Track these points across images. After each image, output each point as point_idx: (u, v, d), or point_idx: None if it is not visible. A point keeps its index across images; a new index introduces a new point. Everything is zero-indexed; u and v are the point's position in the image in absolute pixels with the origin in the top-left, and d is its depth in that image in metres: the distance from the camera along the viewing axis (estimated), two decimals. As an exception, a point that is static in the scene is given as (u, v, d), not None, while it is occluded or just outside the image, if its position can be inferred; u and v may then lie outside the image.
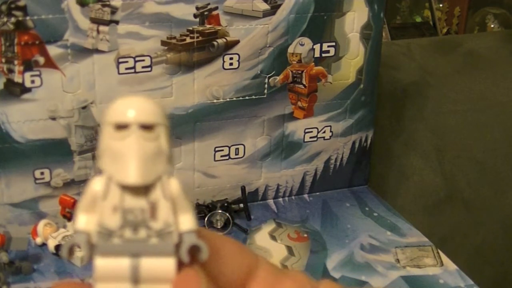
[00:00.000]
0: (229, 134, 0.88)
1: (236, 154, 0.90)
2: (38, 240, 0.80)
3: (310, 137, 0.93)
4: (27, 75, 0.76)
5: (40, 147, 0.79)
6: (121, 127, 0.24)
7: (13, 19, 0.73)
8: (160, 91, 0.82)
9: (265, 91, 0.88)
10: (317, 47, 0.88)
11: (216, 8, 0.81)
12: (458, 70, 1.22)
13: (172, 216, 0.24)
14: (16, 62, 0.75)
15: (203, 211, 0.88)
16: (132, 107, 0.24)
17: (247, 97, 0.87)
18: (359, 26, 0.89)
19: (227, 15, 0.82)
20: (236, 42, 0.84)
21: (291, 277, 0.26)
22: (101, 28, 0.77)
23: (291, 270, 0.27)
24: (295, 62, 0.88)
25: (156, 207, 0.24)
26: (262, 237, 0.86)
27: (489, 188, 1.12)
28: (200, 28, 0.81)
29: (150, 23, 0.79)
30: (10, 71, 0.75)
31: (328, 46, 0.89)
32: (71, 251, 0.24)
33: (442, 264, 0.81)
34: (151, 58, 0.80)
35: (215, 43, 0.83)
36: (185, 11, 0.80)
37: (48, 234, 0.79)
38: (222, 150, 0.89)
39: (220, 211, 0.87)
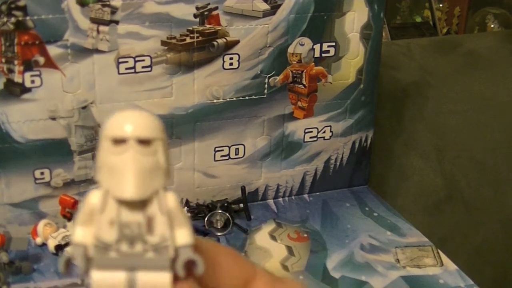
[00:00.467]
0: (229, 134, 0.88)
1: (236, 154, 0.90)
2: (38, 240, 0.80)
3: (310, 137, 0.93)
4: (27, 75, 0.76)
5: (40, 147, 0.79)
6: (119, 141, 0.24)
7: (13, 19, 0.73)
8: (160, 91, 0.82)
9: (265, 91, 0.88)
10: (317, 47, 0.88)
11: (216, 8, 0.81)
12: (458, 70, 1.22)
13: (169, 231, 0.24)
14: (16, 62, 0.75)
15: (203, 211, 0.88)
16: (130, 122, 0.24)
17: (247, 97, 0.87)
18: (359, 26, 0.89)
19: (227, 15, 0.82)
20: (236, 42, 0.84)
21: (289, 286, 0.26)
22: (101, 28, 0.77)
23: (288, 278, 0.27)
24: (295, 62, 0.88)
25: (153, 221, 0.24)
26: (262, 237, 0.86)
27: (489, 188, 1.12)
28: (200, 28, 0.81)
29: (150, 23, 0.79)
30: (10, 71, 0.75)
31: (328, 46, 0.89)
32: (68, 264, 0.24)
33: (442, 264, 0.81)
34: (151, 58, 0.80)
35: (215, 43, 0.83)
36: (185, 11, 0.80)
37: (48, 234, 0.79)
38: (222, 150, 0.89)
39: (220, 211, 0.87)
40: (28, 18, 0.73)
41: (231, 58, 0.84)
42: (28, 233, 0.81)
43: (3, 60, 0.75)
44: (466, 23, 1.81)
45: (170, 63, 0.81)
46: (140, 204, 0.24)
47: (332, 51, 0.89)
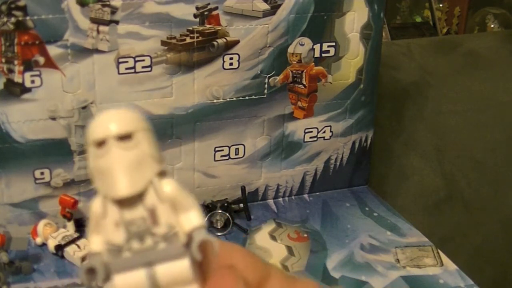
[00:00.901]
0: (229, 134, 0.88)
1: (236, 154, 0.90)
2: (38, 240, 0.80)
3: (310, 137, 0.93)
4: (27, 75, 0.76)
5: (40, 147, 0.79)
6: (101, 144, 0.24)
7: (13, 19, 0.73)
8: (160, 91, 0.82)
9: (265, 91, 0.88)
10: (317, 47, 0.88)
11: (216, 8, 0.81)
12: (458, 70, 1.22)
13: (173, 217, 0.24)
14: (16, 62, 0.75)
15: (203, 211, 0.88)
16: (105, 122, 0.24)
17: (247, 97, 0.87)
18: (359, 26, 0.89)
19: (227, 15, 0.82)
20: (236, 42, 0.84)
21: (303, 284, 0.26)
22: (101, 28, 0.77)
23: (302, 278, 0.27)
24: (295, 62, 0.88)
25: (155, 212, 0.24)
26: (262, 237, 0.86)
27: (489, 188, 1.12)
28: (200, 28, 0.81)
29: (150, 23, 0.79)
30: (10, 71, 0.75)
31: (328, 46, 0.89)
32: (89, 276, 0.24)
33: (442, 264, 0.81)
34: (151, 58, 0.80)
35: (215, 43, 0.83)
36: (185, 11, 0.80)
37: (48, 234, 0.79)
38: (222, 150, 0.89)
39: (220, 211, 0.87)
40: (28, 18, 0.73)
41: (231, 58, 0.84)
42: (28, 233, 0.81)
43: (3, 60, 0.75)
44: (466, 23, 1.81)
45: (170, 63, 0.81)
46: (137, 199, 0.23)
47: (332, 51, 0.89)
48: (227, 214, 0.86)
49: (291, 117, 0.91)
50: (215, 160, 0.89)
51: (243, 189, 0.91)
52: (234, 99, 0.86)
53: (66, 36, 0.76)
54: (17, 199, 0.81)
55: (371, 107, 0.95)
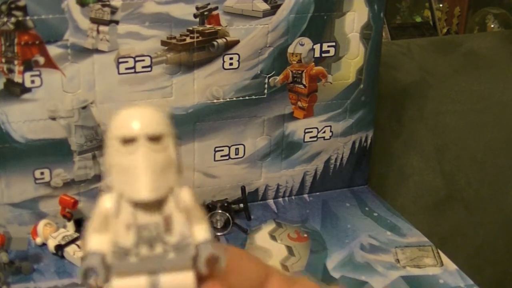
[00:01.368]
0: (229, 134, 0.88)
1: (236, 154, 0.90)
2: (38, 240, 0.80)
3: (310, 137, 0.93)
4: (27, 75, 0.76)
5: (40, 147, 0.79)
6: (128, 141, 0.23)
7: (13, 19, 0.73)
8: (160, 91, 0.82)
9: (265, 91, 0.88)
10: (317, 47, 0.88)
11: (216, 8, 0.81)
12: (458, 70, 1.22)
13: (188, 228, 0.23)
14: (16, 62, 0.75)
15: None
16: (138, 119, 0.23)
17: (247, 97, 0.87)
18: (359, 26, 0.89)
19: (227, 15, 0.82)
20: (236, 42, 0.84)
21: (302, 284, 0.26)
22: (101, 28, 0.77)
23: (301, 277, 0.27)
24: (295, 62, 0.88)
25: (171, 220, 0.23)
26: (262, 237, 0.86)
27: (489, 188, 1.12)
28: (200, 28, 0.81)
29: (150, 23, 0.79)
30: (10, 71, 0.75)
31: (328, 46, 0.89)
32: (87, 275, 0.23)
33: (442, 264, 0.81)
34: (151, 58, 0.80)
35: (215, 43, 0.83)
36: (185, 11, 0.80)
37: (48, 234, 0.79)
38: (222, 150, 0.89)
39: (220, 211, 0.87)
40: (28, 18, 0.73)
41: (231, 58, 0.84)
42: (28, 233, 0.81)
43: (3, 60, 0.75)
44: (466, 23, 1.80)
45: (170, 63, 0.81)
46: (156, 204, 0.23)
47: (332, 51, 0.89)
48: (227, 214, 0.86)
49: (291, 117, 0.91)
50: (215, 160, 0.89)
51: (243, 189, 0.91)
52: (234, 99, 0.86)
53: (66, 36, 0.76)
54: (17, 199, 0.81)
55: (371, 107, 0.95)
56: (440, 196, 1.08)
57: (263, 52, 0.86)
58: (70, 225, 0.81)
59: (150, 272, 0.22)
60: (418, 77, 1.18)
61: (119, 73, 0.79)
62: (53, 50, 0.76)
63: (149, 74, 0.81)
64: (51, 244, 0.78)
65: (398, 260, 0.81)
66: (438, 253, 0.83)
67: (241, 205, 0.90)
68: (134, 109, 0.23)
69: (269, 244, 0.84)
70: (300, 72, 0.89)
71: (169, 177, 0.23)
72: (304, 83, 0.90)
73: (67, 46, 0.76)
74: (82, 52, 0.77)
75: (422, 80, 1.18)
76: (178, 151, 0.24)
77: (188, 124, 0.85)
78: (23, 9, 0.73)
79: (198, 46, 0.82)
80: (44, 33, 0.75)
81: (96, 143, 0.81)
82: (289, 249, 0.83)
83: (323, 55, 0.89)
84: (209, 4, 0.81)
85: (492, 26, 1.74)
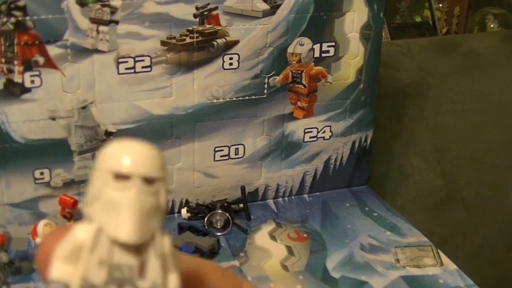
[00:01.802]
0: (229, 134, 0.88)
1: (236, 154, 0.90)
2: (38, 240, 0.80)
3: (310, 137, 0.93)
4: (27, 75, 0.76)
5: (40, 147, 0.79)
6: (121, 177, 0.22)
7: (13, 19, 0.73)
8: (160, 91, 0.82)
9: (265, 91, 0.88)
10: (317, 47, 0.88)
11: (216, 8, 0.81)
12: (458, 70, 1.22)
13: (162, 277, 0.22)
14: (16, 62, 0.75)
15: (203, 211, 0.88)
16: (136, 158, 0.22)
17: (247, 97, 0.87)
18: (359, 26, 0.89)
19: (227, 15, 0.82)
20: (236, 42, 0.84)
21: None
22: (101, 28, 0.77)
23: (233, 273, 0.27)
24: (295, 62, 0.88)
25: (146, 265, 0.22)
26: (262, 237, 0.86)
27: (489, 188, 1.12)
28: (200, 28, 0.81)
29: (150, 23, 0.79)
30: (10, 71, 0.75)
31: (328, 46, 0.89)
32: None
33: (442, 264, 0.81)
34: (151, 58, 0.80)
35: (215, 43, 0.83)
36: (185, 11, 0.80)
37: (48, 234, 0.79)
38: (222, 150, 0.89)
39: (220, 211, 0.87)
40: (28, 18, 0.73)
41: (231, 58, 0.84)
42: (28, 233, 0.81)
43: (3, 60, 0.75)
44: (466, 23, 1.80)
45: (170, 63, 0.81)
46: (135, 247, 0.22)
47: (332, 51, 0.89)
48: (227, 214, 0.86)
49: (291, 117, 0.91)
50: (215, 160, 0.89)
51: (243, 189, 0.91)
52: (234, 99, 0.86)
53: (66, 36, 0.76)
54: (17, 199, 0.81)
55: (371, 107, 0.95)
56: (440, 196, 1.08)
57: (262, 52, 0.86)
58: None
59: None
60: (418, 77, 1.18)
61: (119, 73, 0.79)
62: (53, 50, 0.76)
63: (149, 74, 0.81)
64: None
65: (398, 260, 0.81)
66: (438, 253, 0.83)
67: (241, 205, 0.90)
68: (132, 145, 0.22)
69: (269, 244, 0.84)
70: (300, 72, 0.89)
71: (154, 223, 0.22)
72: (304, 83, 0.89)
73: (67, 46, 0.76)
74: (82, 52, 0.77)
75: (422, 80, 1.18)
76: (166, 196, 0.23)
77: (188, 124, 0.85)
78: (23, 9, 0.73)
79: (198, 46, 0.82)
80: (44, 33, 0.75)
81: (96, 143, 0.81)
82: (289, 249, 0.83)
83: (323, 55, 0.89)
84: (209, 4, 0.81)
85: (492, 26, 1.74)
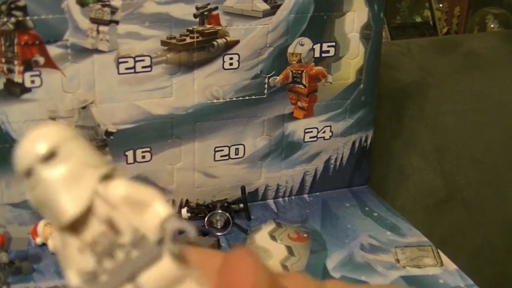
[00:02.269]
0: (229, 134, 0.88)
1: (236, 154, 0.90)
2: (38, 240, 0.80)
3: (310, 137, 0.93)
4: (27, 75, 0.76)
5: (40, 147, 0.79)
6: (29, 173, 0.21)
7: (13, 19, 0.73)
8: (160, 91, 0.82)
9: (265, 91, 0.88)
10: (317, 47, 0.88)
11: (216, 8, 0.81)
12: (458, 70, 1.22)
13: (136, 218, 0.21)
14: (16, 62, 0.75)
15: (203, 211, 0.88)
16: (24, 149, 0.21)
17: (247, 97, 0.87)
18: (359, 26, 0.89)
19: (227, 15, 0.82)
20: (236, 42, 0.84)
21: (292, 277, 0.26)
22: (101, 28, 0.77)
23: (291, 271, 0.26)
24: (295, 62, 0.88)
25: (112, 221, 0.21)
26: (262, 237, 0.86)
27: (489, 188, 1.12)
28: (200, 28, 0.81)
29: (150, 23, 0.79)
30: (10, 71, 0.75)
31: (328, 46, 0.89)
32: None
33: (442, 264, 0.81)
34: (151, 58, 0.80)
35: (215, 43, 0.83)
36: (185, 11, 0.80)
37: (48, 234, 0.79)
38: (222, 150, 0.89)
39: (220, 211, 0.87)
40: (28, 18, 0.73)
41: (231, 58, 0.84)
42: (28, 233, 0.81)
43: (3, 60, 0.75)
44: (466, 23, 1.81)
45: (170, 63, 0.81)
46: (89, 215, 0.21)
47: (332, 51, 0.89)
48: (227, 214, 0.86)
49: (291, 117, 0.91)
50: (215, 160, 0.89)
51: (243, 189, 0.91)
52: (234, 99, 0.86)
53: (66, 36, 0.76)
54: (17, 199, 0.81)
55: (371, 107, 0.95)
56: (440, 196, 1.08)
57: (263, 52, 0.86)
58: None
59: (129, 279, 0.21)
60: (418, 77, 1.18)
61: (119, 73, 0.79)
62: (53, 50, 0.76)
63: (149, 74, 0.81)
64: (51, 244, 0.78)
65: (398, 260, 0.81)
66: (438, 253, 0.83)
67: (241, 205, 0.90)
68: (21, 140, 0.22)
69: (269, 244, 0.84)
70: (300, 72, 0.89)
71: (85, 182, 0.21)
72: (304, 83, 0.90)
73: (67, 46, 0.76)
74: (82, 52, 0.77)
75: (422, 80, 1.18)
76: (87, 150, 0.22)
77: (188, 124, 0.85)
78: (23, 9, 0.73)
79: (198, 46, 0.82)
80: (44, 33, 0.75)
81: (96, 143, 0.81)
82: (289, 249, 0.83)
83: (323, 55, 0.89)
84: (209, 4, 0.81)
85: (492, 26, 1.74)
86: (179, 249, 0.21)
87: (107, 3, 0.76)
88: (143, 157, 0.85)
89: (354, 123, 0.95)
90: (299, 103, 0.91)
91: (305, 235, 0.86)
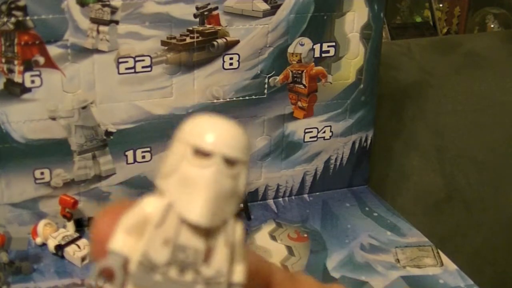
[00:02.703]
0: (229, 134, 0.88)
1: (236, 154, 0.90)
2: (38, 240, 0.80)
3: (310, 137, 0.93)
4: (27, 75, 0.76)
5: (40, 147, 0.79)
6: (202, 153, 0.20)
7: (13, 19, 0.73)
8: (160, 91, 0.82)
9: (265, 91, 0.88)
10: (317, 47, 0.88)
11: (216, 8, 0.81)
12: (458, 70, 1.22)
13: (227, 266, 0.21)
14: (16, 62, 0.75)
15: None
16: (221, 136, 0.21)
17: (247, 97, 0.87)
18: (359, 26, 0.89)
19: (227, 15, 0.82)
20: (236, 42, 0.84)
21: (306, 282, 0.26)
22: (101, 28, 0.77)
23: (302, 274, 0.26)
24: (295, 62, 0.88)
25: (213, 251, 0.21)
26: (262, 237, 0.86)
27: (489, 188, 1.12)
28: (200, 28, 0.81)
29: (150, 23, 0.79)
30: (10, 71, 0.75)
31: (328, 46, 0.89)
32: (101, 276, 0.21)
33: (442, 264, 0.81)
34: (151, 58, 0.80)
35: (215, 43, 0.83)
36: (185, 11, 0.80)
37: (48, 234, 0.79)
38: (222, 150, 0.89)
39: (220, 211, 0.87)
40: (28, 18, 0.73)
41: (231, 58, 0.84)
42: (28, 233, 0.81)
43: (3, 60, 0.75)
44: (466, 23, 1.80)
45: (170, 63, 0.81)
46: (205, 230, 0.20)
47: (332, 51, 0.89)
48: (227, 214, 0.86)
49: (291, 117, 0.91)
50: (215, 160, 0.89)
51: (243, 189, 0.91)
52: (234, 99, 0.86)
53: (66, 36, 0.76)
54: (17, 199, 0.81)
55: (371, 107, 0.95)
56: (440, 196, 1.08)
57: (263, 52, 0.86)
58: (70, 225, 0.81)
59: None
60: (418, 77, 1.18)
61: (119, 73, 0.79)
62: (53, 50, 0.76)
63: (149, 74, 0.81)
64: (51, 244, 0.78)
65: (398, 260, 0.81)
66: (438, 253, 0.83)
67: (241, 205, 0.90)
68: (218, 122, 0.21)
69: (269, 244, 0.84)
70: (300, 72, 0.89)
71: (229, 208, 0.21)
72: (304, 83, 0.89)
73: (67, 46, 0.76)
74: (82, 52, 0.77)
75: (422, 80, 1.18)
76: (246, 181, 0.21)
77: (188, 124, 0.85)
78: (23, 9, 0.73)
79: (198, 46, 0.82)
80: (44, 33, 0.75)
81: (96, 143, 0.81)
82: (289, 249, 0.83)
83: (323, 55, 0.89)
84: (209, 4, 0.81)
85: (492, 26, 1.74)
86: None
87: (107, 3, 0.76)
88: (143, 157, 0.85)
89: (354, 123, 0.95)
90: (299, 103, 0.91)
91: (305, 235, 0.86)
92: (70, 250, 0.77)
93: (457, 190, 1.10)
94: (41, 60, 0.76)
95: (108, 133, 0.82)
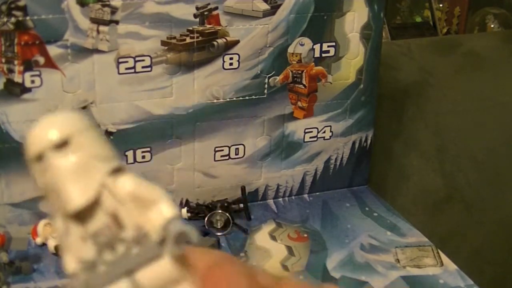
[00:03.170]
0: (229, 134, 0.88)
1: (236, 154, 0.90)
2: (38, 240, 0.80)
3: (310, 137, 0.93)
4: (27, 75, 0.76)
5: (40, 147, 0.79)
6: (39, 158, 0.21)
7: (13, 19, 0.73)
8: (160, 91, 0.82)
9: (265, 91, 0.88)
10: (317, 47, 0.88)
11: (216, 8, 0.81)
12: (458, 70, 1.22)
13: (140, 216, 0.21)
14: (16, 62, 0.75)
15: (203, 211, 0.88)
16: (37, 133, 0.22)
17: (247, 97, 0.87)
18: (359, 26, 0.89)
19: (227, 15, 0.82)
20: (236, 42, 0.84)
21: (288, 283, 0.26)
22: (101, 28, 0.77)
23: (289, 277, 0.26)
24: (295, 62, 0.88)
25: (118, 216, 0.21)
26: (262, 237, 0.86)
27: (489, 188, 1.12)
28: (200, 28, 0.81)
29: (150, 23, 0.79)
30: (10, 71, 0.75)
31: (328, 46, 0.89)
32: None
33: (442, 264, 0.81)
34: (151, 58, 0.80)
35: (215, 43, 0.83)
36: (185, 11, 0.80)
37: (48, 234, 0.79)
38: (222, 150, 0.89)
39: (220, 211, 0.87)
40: (28, 18, 0.73)
41: (231, 58, 0.84)
42: (28, 233, 0.81)
43: (3, 60, 0.75)
44: (466, 23, 1.80)
45: (170, 63, 0.81)
46: (95, 206, 0.21)
47: (332, 51, 0.89)
48: (227, 214, 0.86)
49: (291, 117, 0.91)
50: (215, 160, 0.89)
51: (243, 189, 0.91)
52: (234, 99, 0.86)
53: (66, 36, 0.76)
54: (17, 199, 0.81)
55: (371, 107, 0.95)
56: (440, 196, 1.08)
57: (263, 52, 0.86)
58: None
59: (126, 273, 0.21)
60: (418, 77, 1.18)
61: (119, 73, 0.79)
62: (53, 50, 0.76)
63: (149, 74, 0.81)
64: (51, 244, 0.78)
65: (398, 260, 0.81)
66: (438, 253, 0.83)
67: (241, 205, 0.90)
68: (35, 124, 0.22)
69: (269, 244, 0.84)
70: (300, 72, 0.89)
71: (94, 174, 0.21)
72: (304, 83, 0.89)
73: (67, 46, 0.76)
74: (82, 52, 0.77)
75: (422, 80, 1.18)
76: (99, 142, 0.22)
77: (188, 124, 0.85)
78: (23, 9, 0.73)
79: (198, 46, 0.82)
80: (44, 33, 0.75)
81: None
82: (289, 249, 0.83)
83: (323, 55, 0.89)
84: (209, 4, 0.81)
85: (492, 26, 1.74)
86: (181, 251, 0.21)
87: (107, 3, 0.76)
88: (143, 157, 0.85)
89: (354, 123, 0.95)
90: (299, 103, 0.91)
91: (305, 235, 0.86)
92: (70, 250, 0.77)
93: (457, 190, 1.10)
94: (41, 60, 0.76)
95: (108, 133, 0.82)
